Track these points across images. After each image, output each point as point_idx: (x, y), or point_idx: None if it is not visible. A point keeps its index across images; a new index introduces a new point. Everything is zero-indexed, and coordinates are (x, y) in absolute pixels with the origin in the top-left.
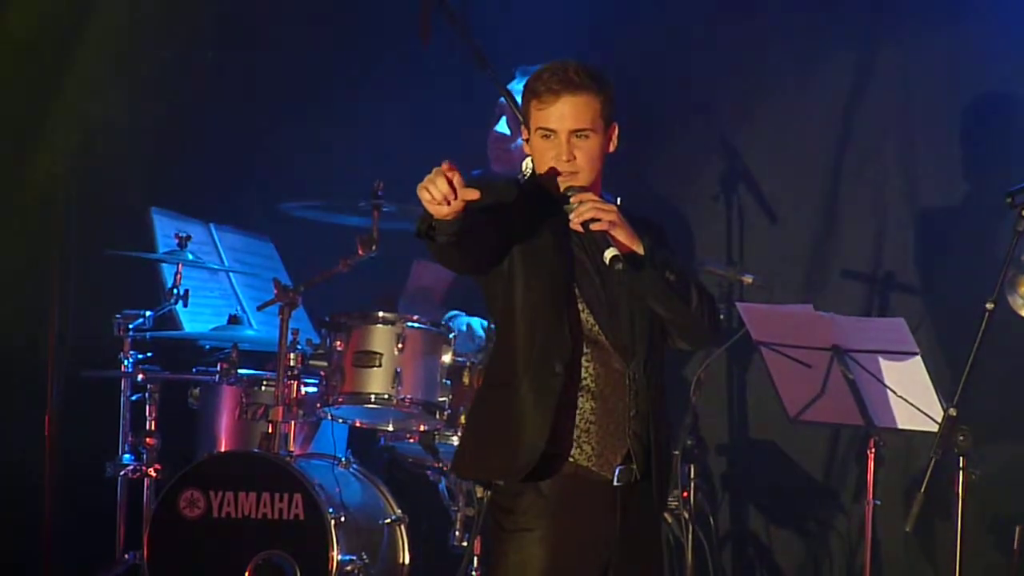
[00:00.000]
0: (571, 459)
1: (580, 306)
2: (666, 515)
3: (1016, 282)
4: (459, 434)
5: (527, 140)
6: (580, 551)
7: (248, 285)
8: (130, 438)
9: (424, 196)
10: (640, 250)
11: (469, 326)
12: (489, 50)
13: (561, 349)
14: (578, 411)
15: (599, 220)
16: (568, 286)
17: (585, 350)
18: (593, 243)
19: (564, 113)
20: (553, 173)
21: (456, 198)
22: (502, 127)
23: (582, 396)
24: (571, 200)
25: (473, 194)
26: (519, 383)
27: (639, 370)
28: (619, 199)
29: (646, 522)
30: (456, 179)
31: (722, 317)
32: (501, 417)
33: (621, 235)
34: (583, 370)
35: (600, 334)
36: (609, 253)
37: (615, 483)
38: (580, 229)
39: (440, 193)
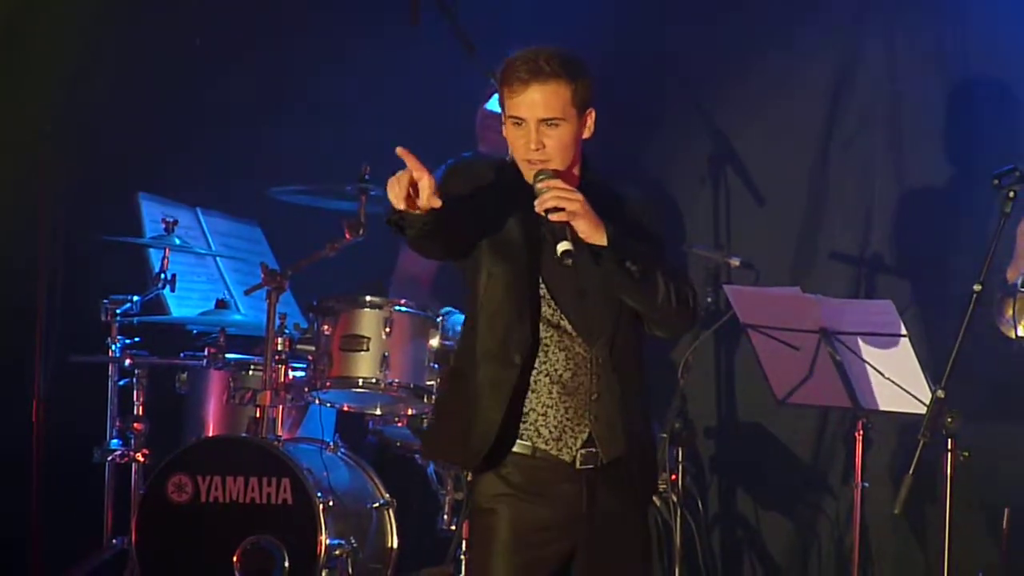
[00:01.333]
0: (528, 442)
1: (544, 291)
2: (654, 498)
3: (1003, 305)
4: None
5: (504, 124)
6: (544, 532)
7: (235, 270)
8: (118, 423)
9: (389, 191)
10: (603, 241)
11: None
12: (482, 33)
13: (521, 336)
14: (536, 395)
15: (561, 210)
16: (533, 271)
17: (547, 335)
18: (557, 230)
19: (533, 101)
20: (525, 159)
21: (416, 199)
22: (492, 105)
23: (541, 380)
24: (539, 186)
25: (436, 202)
26: (476, 371)
27: (604, 354)
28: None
29: (619, 505)
30: (424, 182)
31: (709, 300)
32: (459, 405)
33: (583, 225)
34: (543, 354)
35: (563, 319)
36: (561, 247)
37: (578, 466)
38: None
39: (396, 195)
